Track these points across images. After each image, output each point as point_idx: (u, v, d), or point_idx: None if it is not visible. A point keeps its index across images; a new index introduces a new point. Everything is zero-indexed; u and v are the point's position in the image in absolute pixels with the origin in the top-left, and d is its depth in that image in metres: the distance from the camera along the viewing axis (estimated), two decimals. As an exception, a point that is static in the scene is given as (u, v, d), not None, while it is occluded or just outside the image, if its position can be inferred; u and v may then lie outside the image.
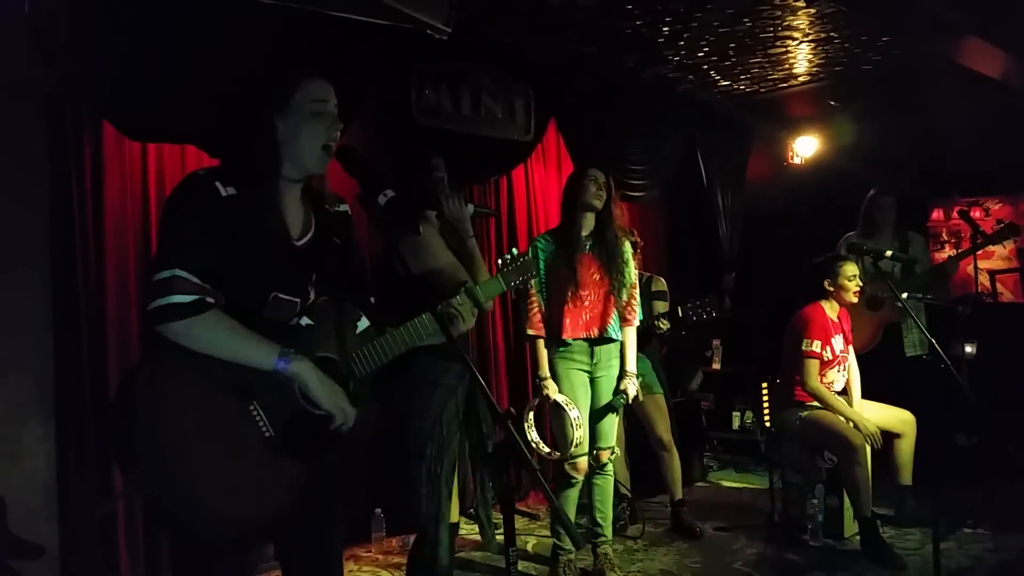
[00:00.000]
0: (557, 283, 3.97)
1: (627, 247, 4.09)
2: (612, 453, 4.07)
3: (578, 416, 3.86)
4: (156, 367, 1.93)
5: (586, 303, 3.95)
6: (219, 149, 3.77)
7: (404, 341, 2.29)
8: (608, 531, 4.13)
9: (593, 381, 4.02)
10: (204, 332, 1.93)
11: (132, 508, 3.78)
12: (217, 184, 2.00)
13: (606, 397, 4.02)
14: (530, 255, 3.97)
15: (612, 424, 4.06)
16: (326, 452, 2.11)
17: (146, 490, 1.91)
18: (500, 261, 3.00)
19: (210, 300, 1.94)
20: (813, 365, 4.45)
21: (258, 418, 2.00)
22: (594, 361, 4.00)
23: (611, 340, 4.01)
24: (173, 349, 1.92)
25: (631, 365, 4.06)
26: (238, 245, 2.00)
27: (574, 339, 3.95)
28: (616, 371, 4.04)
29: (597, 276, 3.98)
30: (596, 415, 4.02)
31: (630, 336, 4.09)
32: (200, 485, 1.90)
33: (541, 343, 3.99)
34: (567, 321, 3.92)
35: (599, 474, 4.05)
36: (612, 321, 4.01)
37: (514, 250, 3.02)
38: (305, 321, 2.13)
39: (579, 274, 3.94)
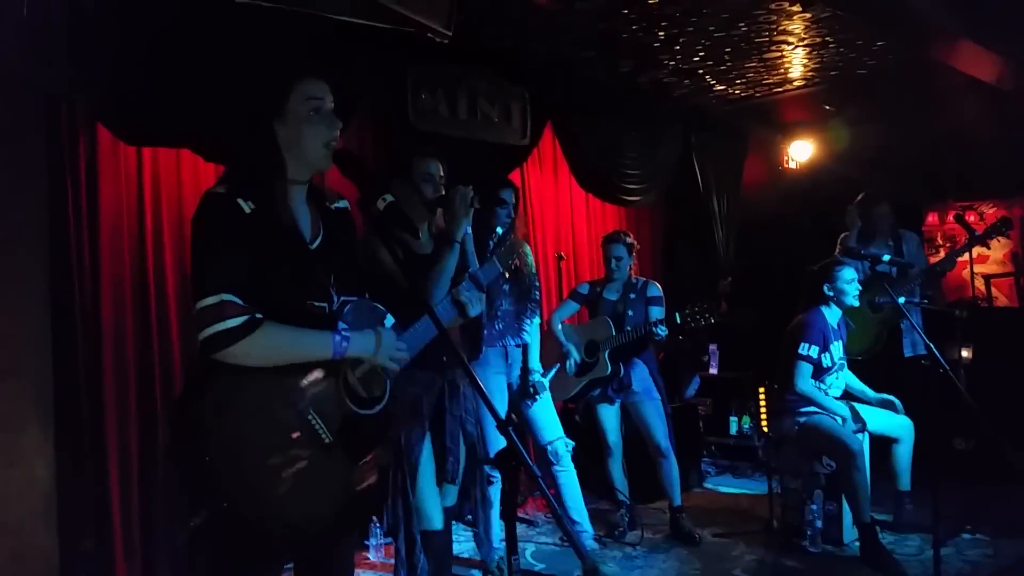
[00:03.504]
0: None
1: None
2: (567, 445, 4.16)
3: None
4: (219, 390, 1.96)
5: None
6: (215, 154, 3.77)
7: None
8: (587, 525, 4.20)
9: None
10: (262, 347, 1.97)
11: (129, 515, 3.76)
12: (239, 201, 2.01)
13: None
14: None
15: (553, 414, 4.20)
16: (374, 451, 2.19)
17: (215, 505, 1.95)
18: (491, 243, 3.02)
19: (259, 316, 1.96)
20: (805, 368, 4.42)
21: (316, 426, 2.05)
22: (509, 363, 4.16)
23: None
24: (228, 368, 1.95)
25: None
26: (267, 259, 2.02)
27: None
28: None
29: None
30: (537, 413, 4.15)
31: None
32: (274, 492, 1.96)
33: None
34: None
35: (561, 469, 4.13)
36: None
37: (499, 229, 3.04)
38: (341, 325, 2.15)
39: None
